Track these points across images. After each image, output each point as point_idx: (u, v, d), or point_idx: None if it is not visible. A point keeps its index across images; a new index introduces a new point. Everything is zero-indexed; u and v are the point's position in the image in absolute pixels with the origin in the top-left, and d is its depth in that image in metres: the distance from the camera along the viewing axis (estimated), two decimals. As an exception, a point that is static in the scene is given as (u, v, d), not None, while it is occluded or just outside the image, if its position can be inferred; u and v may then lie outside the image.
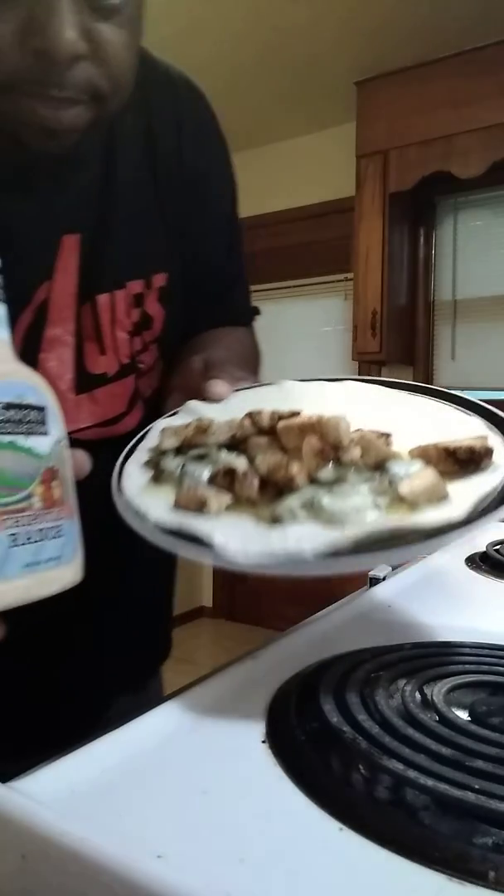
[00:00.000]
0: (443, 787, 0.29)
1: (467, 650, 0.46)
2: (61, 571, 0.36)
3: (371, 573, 0.68)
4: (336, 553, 0.36)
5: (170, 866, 0.25)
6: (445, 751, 0.32)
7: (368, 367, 3.00)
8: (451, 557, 0.78)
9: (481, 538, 0.86)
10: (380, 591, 0.64)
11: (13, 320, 0.39)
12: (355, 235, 2.83)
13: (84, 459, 0.39)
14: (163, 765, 0.33)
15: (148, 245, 0.61)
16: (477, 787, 0.29)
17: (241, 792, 0.31)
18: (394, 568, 0.72)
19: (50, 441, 0.36)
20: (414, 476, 0.38)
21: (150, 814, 0.29)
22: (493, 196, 2.91)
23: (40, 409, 0.36)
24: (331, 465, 0.40)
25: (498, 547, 0.78)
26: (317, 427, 0.40)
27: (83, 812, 0.29)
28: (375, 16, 2.53)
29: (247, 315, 0.75)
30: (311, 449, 0.40)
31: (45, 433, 0.36)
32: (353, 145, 2.82)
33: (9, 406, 0.34)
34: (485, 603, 0.62)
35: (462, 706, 0.38)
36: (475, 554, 0.78)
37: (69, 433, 0.43)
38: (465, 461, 0.39)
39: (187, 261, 0.64)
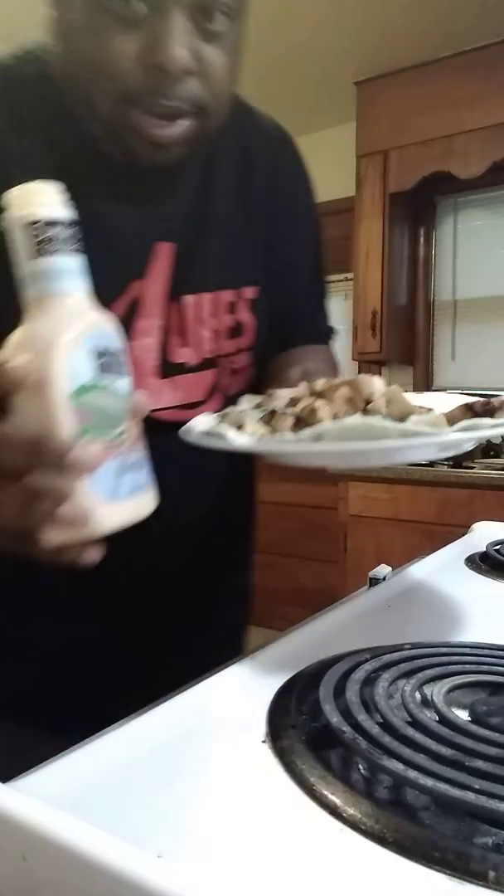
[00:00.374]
0: (443, 787, 0.29)
1: (467, 650, 0.46)
2: (148, 497, 0.40)
3: (371, 573, 0.68)
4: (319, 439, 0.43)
5: (170, 866, 0.25)
6: (445, 751, 0.32)
7: (368, 367, 3.00)
8: (451, 557, 0.78)
9: (481, 538, 0.86)
10: (380, 591, 0.64)
11: (106, 307, 0.43)
12: (355, 235, 2.83)
13: (145, 400, 0.42)
14: (163, 765, 0.33)
15: (238, 259, 0.69)
16: (477, 787, 0.29)
17: (241, 792, 0.31)
18: (394, 568, 0.72)
19: (128, 382, 0.40)
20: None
21: (150, 814, 0.29)
22: (493, 196, 2.91)
23: (120, 352, 0.40)
24: (358, 414, 0.45)
25: (498, 547, 0.78)
26: (353, 383, 0.47)
27: (83, 812, 0.29)
28: (376, 16, 2.53)
29: (328, 334, 0.83)
30: (341, 396, 0.46)
31: (124, 375, 0.39)
32: (353, 145, 2.82)
33: (104, 352, 0.38)
34: (485, 603, 0.62)
35: (462, 706, 0.38)
36: (475, 554, 0.78)
37: (154, 411, 0.55)
38: (480, 413, 0.44)
39: (277, 280, 0.72)
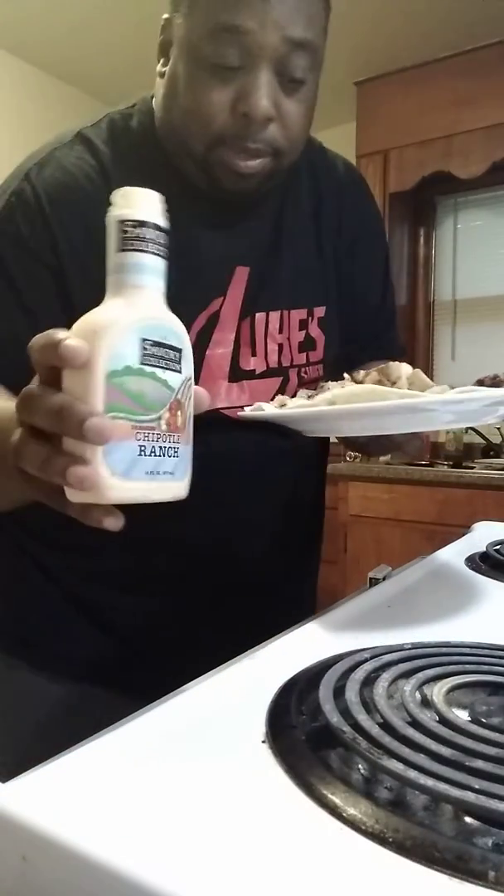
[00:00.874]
0: (443, 787, 0.29)
1: (467, 650, 0.46)
2: (173, 485, 0.43)
3: (371, 574, 0.68)
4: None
5: (170, 866, 0.25)
6: (445, 751, 0.32)
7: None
8: (451, 557, 0.78)
9: (481, 538, 0.86)
10: (380, 591, 0.64)
11: (191, 321, 0.51)
12: (355, 235, 2.83)
13: (204, 396, 0.46)
14: (163, 765, 0.33)
15: (308, 282, 0.79)
16: (477, 787, 0.29)
17: (241, 792, 0.31)
18: (393, 568, 0.72)
19: (181, 378, 0.43)
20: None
21: (150, 814, 0.29)
22: (493, 196, 2.91)
23: (178, 350, 0.43)
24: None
25: (498, 547, 0.78)
26: (383, 369, 0.53)
27: (83, 812, 0.29)
28: (376, 16, 2.53)
29: (398, 352, 0.90)
30: (371, 379, 0.52)
31: (178, 371, 0.42)
32: (353, 145, 2.82)
33: (155, 343, 0.41)
34: (485, 603, 0.62)
35: (462, 706, 0.38)
36: (475, 554, 0.78)
37: (223, 408, 0.71)
38: (488, 386, 0.50)
39: (347, 302, 0.82)
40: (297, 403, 0.56)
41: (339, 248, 0.82)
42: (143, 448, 0.40)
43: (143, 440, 0.40)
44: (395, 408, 0.48)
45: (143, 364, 0.41)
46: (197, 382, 0.66)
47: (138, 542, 0.73)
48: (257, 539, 0.80)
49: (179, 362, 0.43)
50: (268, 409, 0.56)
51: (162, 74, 0.69)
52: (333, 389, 0.51)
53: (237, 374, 0.74)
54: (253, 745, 0.35)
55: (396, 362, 0.53)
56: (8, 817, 0.27)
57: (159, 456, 0.41)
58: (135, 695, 0.49)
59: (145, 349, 0.41)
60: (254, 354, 0.75)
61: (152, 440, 0.41)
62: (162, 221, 0.43)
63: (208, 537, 0.75)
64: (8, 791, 0.29)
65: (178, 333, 0.43)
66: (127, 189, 0.43)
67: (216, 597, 0.77)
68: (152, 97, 0.73)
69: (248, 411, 0.57)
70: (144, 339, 0.41)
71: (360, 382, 0.55)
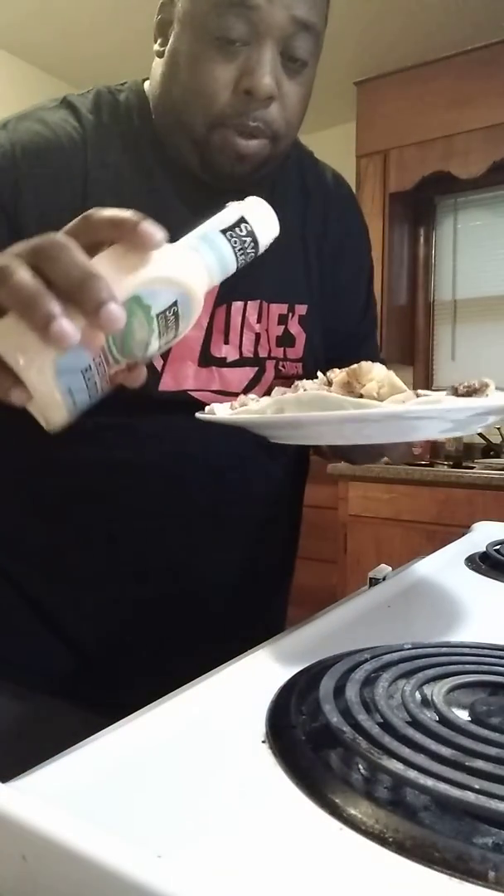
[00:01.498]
0: (443, 787, 0.29)
1: (467, 650, 0.46)
2: (63, 412, 0.41)
3: (371, 574, 0.69)
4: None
5: (170, 866, 0.25)
6: (445, 751, 0.32)
7: (368, 367, 2.99)
8: (451, 557, 0.78)
9: (481, 538, 0.86)
10: (380, 591, 0.64)
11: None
12: (355, 235, 2.83)
13: (139, 377, 0.45)
14: (163, 765, 0.33)
15: (290, 278, 0.77)
16: (477, 787, 0.29)
17: (241, 792, 0.31)
18: (393, 568, 0.72)
19: (152, 351, 0.43)
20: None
21: (150, 814, 0.29)
22: (493, 196, 2.91)
23: (175, 334, 0.44)
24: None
25: (498, 547, 0.78)
26: (353, 370, 0.49)
27: (83, 812, 0.29)
28: (375, 16, 2.53)
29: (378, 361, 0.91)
30: (339, 381, 0.49)
31: (158, 347, 0.43)
32: (353, 145, 2.82)
33: (177, 315, 0.42)
34: (485, 603, 0.62)
35: (462, 706, 0.38)
36: (475, 554, 0.78)
37: (191, 390, 0.70)
38: (464, 394, 0.47)
39: (330, 304, 0.81)
40: (249, 408, 0.52)
41: (323, 252, 0.81)
42: (87, 370, 0.39)
43: (95, 366, 0.40)
44: (336, 418, 0.45)
45: (157, 318, 0.41)
46: (165, 361, 0.69)
47: (103, 539, 0.72)
48: (231, 539, 0.78)
49: (167, 342, 0.44)
50: (219, 412, 0.53)
51: (160, 54, 0.68)
52: (282, 395, 0.48)
53: (207, 359, 0.72)
54: (253, 745, 0.35)
55: (369, 363, 0.49)
56: (8, 817, 0.27)
57: (87, 386, 0.40)
58: (99, 710, 0.48)
59: (170, 312, 0.41)
60: (226, 342, 0.73)
61: (96, 374, 0.40)
62: (265, 237, 0.46)
63: (180, 532, 0.74)
64: (8, 791, 0.29)
65: (192, 313, 0.44)
66: (259, 200, 0.46)
67: (182, 603, 0.75)
68: (143, 81, 0.73)
69: (200, 414, 0.55)
70: (177, 304, 0.41)
71: (331, 382, 0.51)
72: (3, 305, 0.37)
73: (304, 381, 0.56)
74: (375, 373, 0.48)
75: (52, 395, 0.39)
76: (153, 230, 0.39)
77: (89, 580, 0.73)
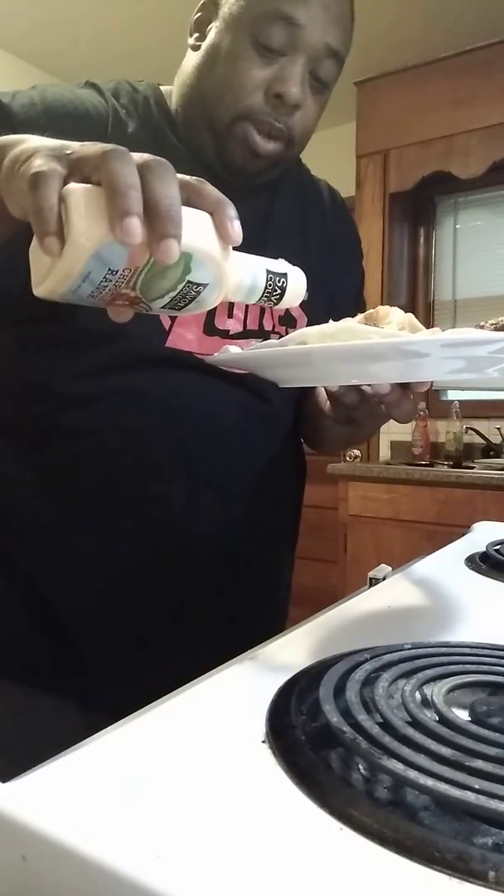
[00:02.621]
0: (443, 787, 0.29)
1: (467, 650, 0.46)
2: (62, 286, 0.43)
3: (371, 574, 0.68)
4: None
5: (170, 866, 0.25)
6: (445, 751, 0.32)
7: (368, 367, 2.99)
8: (451, 557, 0.78)
9: (481, 538, 0.86)
10: (380, 591, 0.64)
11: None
12: (355, 235, 2.83)
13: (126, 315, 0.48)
14: (163, 764, 0.33)
15: (291, 262, 0.81)
16: (477, 787, 0.29)
17: (241, 792, 0.31)
18: (394, 568, 0.72)
19: (166, 300, 0.47)
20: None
21: (150, 814, 0.29)
22: (493, 196, 2.90)
23: (196, 300, 0.47)
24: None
25: (498, 547, 0.78)
26: (371, 313, 0.49)
27: (83, 812, 0.29)
28: (375, 16, 2.53)
29: None
30: (356, 320, 0.49)
31: (177, 306, 0.47)
32: (353, 145, 2.82)
33: (199, 285, 0.46)
34: (485, 603, 0.62)
35: (462, 706, 0.38)
36: (475, 554, 0.78)
37: (201, 354, 0.71)
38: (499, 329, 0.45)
39: (326, 296, 0.84)
40: (269, 343, 0.52)
41: (320, 251, 0.85)
42: (112, 272, 0.42)
43: (116, 277, 0.42)
44: (375, 348, 0.43)
45: (186, 284, 0.45)
46: (173, 322, 0.73)
47: (105, 506, 0.72)
48: (234, 511, 0.78)
49: (170, 308, 0.47)
50: (231, 348, 0.53)
51: (195, 48, 0.75)
52: (305, 329, 0.48)
53: (211, 329, 0.75)
54: (253, 745, 0.35)
55: (387, 307, 0.50)
56: (8, 817, 0.27)
57: (99, 284, 0.42)
58: (99, 711, 0.48)
59: (197, 287, 0.45)
60: (230, 316, 0.76)
61: (112, 282, 0.42)
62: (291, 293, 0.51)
63: (184, 501, 0.74)
64: (8, 791, 0.29)
65: (194, 310, 0.48)
66: (304, 281, 0.51)
67: (184, 578, 0.75)
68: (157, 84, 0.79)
69: (215, 355, 0.56)
70: (206, 287, 0.46)
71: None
72: (100, 178, 0.40)
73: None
74: (394, 315, 0.48)
75: (75, 266, 0.41)
76: (240, 232, 0.44)
77: (90, 553, 0.73)
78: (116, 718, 0.39)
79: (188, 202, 0.43)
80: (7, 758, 0.37)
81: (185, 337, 0.72)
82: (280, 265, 0.50)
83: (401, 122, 2.71)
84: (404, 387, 0.57)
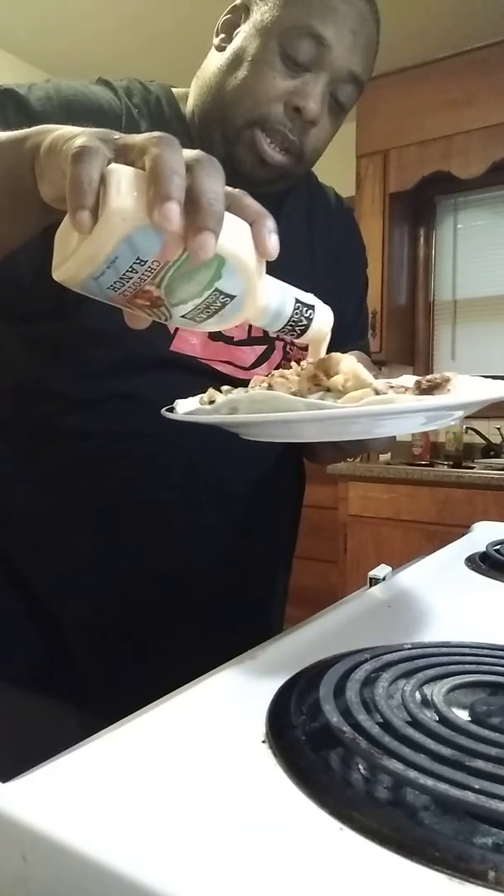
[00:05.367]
0: (443, 787, 0.29)
1: (467, 650, 0.46)
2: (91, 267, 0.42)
3: (371, 574, 0.68)
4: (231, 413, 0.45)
5: (170, 866, 0.25)
6: (445, 751, 0.32)
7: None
8: (451, 557, 0.78)
9: (481, 538, 0.86)
10: (380, 591, 0.64)
11: None
12: (355, 235, 2.83)
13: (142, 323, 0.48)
14: (163, 765, 0.33)
15: (296, 275, 0.92)
16: (477, 787, 0.29)
17: (241, 792, 0.31)
18: (394, 569, 0.72)
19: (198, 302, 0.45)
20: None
21: (150, 814, 0.29)
22: (493, 196, 2.91)
23: (226, 304, 0.45)
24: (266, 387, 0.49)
25: (498, 547, 0.78)
26: (321, 362, 0.48)
27: (83, 812, 0.29)
28: (375, 16, 2.53)
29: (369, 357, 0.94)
30: (306, 374, 0.48)
31: (210, 312, 0.46)
32: (353, 145, 2.82)
33: (224, 295, 0.44)
34: (485, 603, 0.62)
35: (462, 706, 0.38)
36: (475, 554, 0.78)
37: (203, 359, 0.72)
38: (425, 390, 0.46)
39: (330, 302, 0.83)
40: (204, 408, 0.50)
41: (326, 257, 0.86)
42: (140, 262, 0.40)
43: (143, 270, 0.40)
44: (283, 420, 0.43)
45: (214, 291, 0.43)
46: (178, 327, 0.70)
47: (105, 510, 0.72)
48: (234, 517, 0.79)
49: (191, 317, 0.45)
50: (182, 408, 0.52)
51: (221, 48, 0.75)
52: (235, 394, 0.48)
53: (215, 334, 0.75)
54: (253, 745, 0.35)
55: (340, 354, 0.49)
56: (8, 817, 0.27)
57: (123, 274, 0.41)
58: (98, 712, 0.47)
59: (222, 298, 0.44)
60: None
61: (138, 275, 0.41)
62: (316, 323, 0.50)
63: (184, 506, 0.74)
64: (8, 791, 0.29)
65: (214, 326, 0.46)
66: (330, 321, 0.49)
67: (181, 583, 0.75)
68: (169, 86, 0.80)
69: (164, 411, 0.54)
70: (231, 300, 0.44)
71: (300, 374, 0.50)
72: (145, 160, 0.39)
73: (281, 370, 0.55)
74: (343, 365, 0.47)
75: (104, 247, 0.39)
76: (277, 247, 0.44)
77: (88, 556, 0.73)
78: (113, 722, 0.38)
79: (228, 210, 0.42)
80: (7, 758, 0.37)
81: (190, 341, 0.72)
82: (309, 297, 0.49)
83: (401, 122, 2.71)
84: None
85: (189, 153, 0.40)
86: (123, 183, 0.38)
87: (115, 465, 0.71)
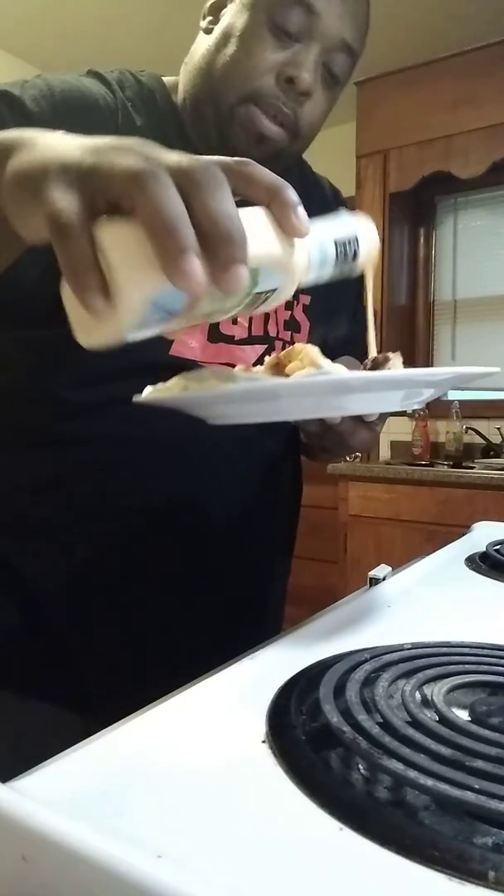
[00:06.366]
0: (443, 787, 0.29)
1: (467, 650, 0.46)
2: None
3: (371, 574, 0.68)
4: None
5: (170, 866, 0.25)
6: (445, 751, 0.32)
7: (368, 367, 3.00)
8: (451, 557, 0.78)
9: (481, 538, 0.86)
10: (380, 591, 0.64)
11: None
12: (355, 235, 2.83)
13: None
14: (163, 765, 0.33)
15: None
16: (477, 787, 0.29)
17: (241, 792, 0.31)
18: (394, 569, 0.72)
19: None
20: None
21: (150, 814, 0.29)
22: (493, 196, 2.91)
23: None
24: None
25: (498, 547, 0.78)
26: (288, 352, 0.49)
27: (83, 812, 0.29)
28: (375, 16, 2.53)
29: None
30: (269, 363, 0.50)
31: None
32: (353, 145, 2.82)
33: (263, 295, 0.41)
34: (485, 603, 0.62)
35: (462, 706, 0.38)
36: (475, 554, 0.78)
37: (206, 362, 0.72)
38: (371, 369, 0.49)
39: (328, 299, 0.84)
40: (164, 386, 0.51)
41: None
42: (172, 314, 0.36)
43: (191, 306, 0.36)
44: (223, 395, 0.43)
45: (252, 294, 0.39)
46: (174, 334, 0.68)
47: (104, 516, 0.71)
48: (230, 521, 0.78)
49: (236, 314, 0.43)
50: (146, 390, 0.52)
51: (208, 31, 0.74)
52: (187, 374, 0.48)
53: (215, 335, 0.74)
54: (253, 745, 0.35)
55: (302, 344, 0.49)
56: (8, 817, 0.27)
57: (152, 328, 0.37)
58: (98, 717, 0.47)
59: (264, 295, 0.40)
60: (234, 322, 0.75)
61: (166, 320, 0.36)
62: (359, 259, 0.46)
63: (177, 513, 0.73)
64: (8, 791, 0.29)
65: (264, 309, 0.44)
66: (374, 230, 0.46)
67: (179, 585, 0.75)
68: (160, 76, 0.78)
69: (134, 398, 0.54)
70: (274, 291, 0.41)
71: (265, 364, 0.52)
72: (134, 210, 0.33)
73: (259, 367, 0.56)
74: (304, 353, 0.48)
75: (126, 321, 0.34)
76: (305, 220, 0.38)
77: (86, 562, 0.72)
78: (113, 723, 0.38)
79: (234, 194, 0.36)
80: (7, 758, 0.37)
81: (189, 345, 0.71)
82: (347, 227, 0.44)
83: (401, 122, 2.71)
84: (357, 417, 0.57)
85: (176, 167, 0.34)
86: (123, 251, 0.33)
87: (116, 471, 0.71)
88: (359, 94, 2.81)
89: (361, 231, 0.45)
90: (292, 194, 0.38)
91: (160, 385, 0.51)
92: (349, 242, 0.44)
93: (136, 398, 0.51)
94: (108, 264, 0.33)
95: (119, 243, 0.33)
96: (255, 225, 0.37)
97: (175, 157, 0.35)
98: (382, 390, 0.47)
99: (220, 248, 0.33)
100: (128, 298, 0.33)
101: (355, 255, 0.45)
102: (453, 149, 2.62)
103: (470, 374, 0.48)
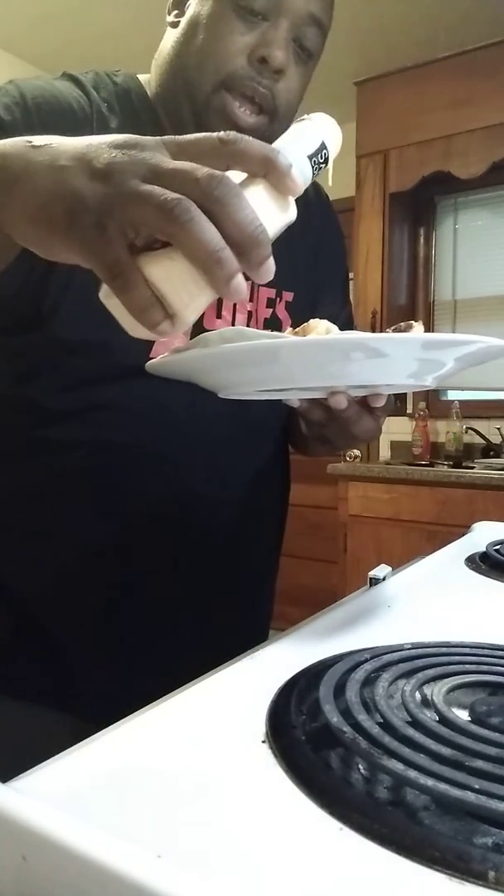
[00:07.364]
0: (443, 787, 0.29)
1: (467, 650, 0.46)
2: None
3: (371, 574, 0.69)
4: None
5: (170, 866, 0.25)
6: (445, 751, 0.32)
7: (368, 367, 2.99)
8: (451, 557, 0.78)
9: (481, 538, 0.86)
10: (380, 591, 0.64)
11: None
12: (355, 235, 2.83)
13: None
14: (163, 765, 0.33)
15: (278, 265, 0.78)
16: (477, 787, 0.29)
17: (241, 792, 0.31)
18: (394, 569, 0.72)
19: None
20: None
21: (150, 814, 0.29)
22: (493, 196, 2.91)
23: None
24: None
25: (498, 547, 0.78)
26: (304, 327, 0.50)
27: (83, 812, 0.29)
28: (375, 16, 2.53)
29: None
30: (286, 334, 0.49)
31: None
32: (353, 145, 2.82)
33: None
34: (485, 603, 0.62)
35: (462, 706, 0.38)
36: (475, 554, 0.78)
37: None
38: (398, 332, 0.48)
39: (313, 296, 0.85)
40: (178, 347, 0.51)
41: (306, 247, 0.84)
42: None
43: None
44: (253, 348, 0.43)
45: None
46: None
47: (89, 521, 0.71)
48: (218, 524, 0.78)
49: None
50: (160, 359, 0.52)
51: (174, 25, 0.72)
52: (210, 333, 0.47)
53: (199, 331, 0.73)
54: (253, 745, 0.35)
55: (317, 320, 0.50)
56: (8, 817, 0.27)
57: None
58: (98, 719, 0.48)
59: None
60: (218, 317, 0.75)
61: None
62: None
63: (164, 517, 0.73)
64: (8, 791, 0.29)
65: None
66: (335, 124, 0.48)
67: (167, 589, 0.75)
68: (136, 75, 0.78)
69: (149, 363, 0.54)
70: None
71: None
72: (174, 244, 0.36)
73: None
74: (321, 328, 0.49)
75: (184, 327, 0.39)
76: (298, 179, 0.41)
77: (74, 567, 0.72)
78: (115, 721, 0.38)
79: (229, 169, 0.39)
80: (7, 758, 0.37)
81: (171, 345, 0.71)
82: (313, 138, 0.47)
83: (401, 122, 2.71)
84: (362, 404, 0.56)
85: (191, 182, 0.36)
86: (178, 284, 0.37)
87: (99, 476, 0.71)
88: (359, 94, 2.81)
89: (326, 135, 0.48)
90: (283, 160, 0.40)
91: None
92: (320, 152, 0.47)
93: (149, 364, 0.52)
94: (163, 295, 0.37)
95: (169, 279, 0.37)
96: (261, 204, 0.40)
97: (187, 168, 0.36)
98: (387, 351, 0.46)
99: (251, 252, 0.37)
100: (187, 320, 0.39)
101: (326, 160, 0.47)
102: (453, 149, 2.62)
103: (487, 346, 0.46)
